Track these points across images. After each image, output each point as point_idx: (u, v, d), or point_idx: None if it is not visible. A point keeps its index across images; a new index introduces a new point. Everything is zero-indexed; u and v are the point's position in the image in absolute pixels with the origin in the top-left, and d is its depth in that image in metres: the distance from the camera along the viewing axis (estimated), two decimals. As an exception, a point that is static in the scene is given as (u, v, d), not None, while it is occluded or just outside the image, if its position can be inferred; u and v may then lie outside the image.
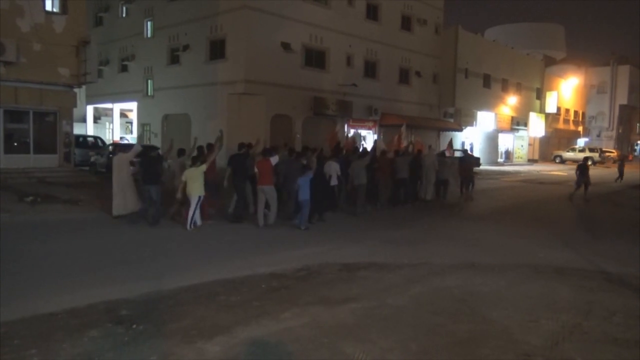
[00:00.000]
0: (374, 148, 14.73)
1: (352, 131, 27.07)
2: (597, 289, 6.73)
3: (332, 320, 5.26)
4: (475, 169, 17.57)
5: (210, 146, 11.26)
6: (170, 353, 4.40)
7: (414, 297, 6.17)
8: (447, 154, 17.58)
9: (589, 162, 18.16)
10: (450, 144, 18.03)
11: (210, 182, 10.52)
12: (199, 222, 10.12)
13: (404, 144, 16.32)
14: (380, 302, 5.92)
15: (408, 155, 14.93)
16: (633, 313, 5.80)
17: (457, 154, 20.41)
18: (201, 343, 4.60)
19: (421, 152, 15.97)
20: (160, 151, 10.60)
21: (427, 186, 15.30)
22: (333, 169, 12.00)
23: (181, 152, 11.50)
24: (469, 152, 16.58)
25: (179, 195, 10.06)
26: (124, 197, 10.52)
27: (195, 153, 11.11)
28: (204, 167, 9.93)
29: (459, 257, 8.31)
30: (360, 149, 16.21)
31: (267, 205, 10.67)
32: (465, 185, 16.15)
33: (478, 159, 24.80)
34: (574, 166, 38.93)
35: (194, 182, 9.81)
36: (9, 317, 5.03)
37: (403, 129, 17.60)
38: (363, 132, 28.31)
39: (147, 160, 10.51)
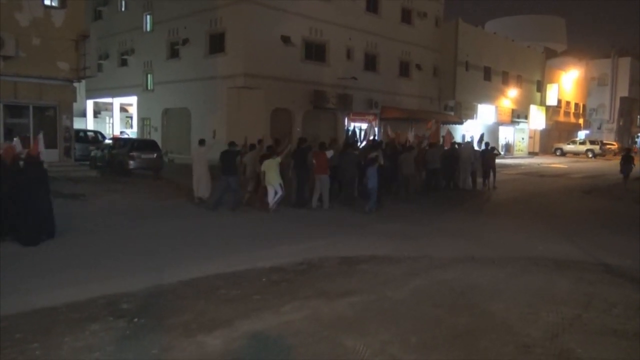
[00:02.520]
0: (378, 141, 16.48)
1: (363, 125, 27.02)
2: (596, 281, 6.74)
3: (332, 314, 5.28)
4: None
5: (277, 141, 12.94)
6: (170, 347, 4.42)
7: (414, 290, 6.18)
8: (476, 147, 18.63)
9: (632, 153, 20.33)
10: (482, 138, 19.20)
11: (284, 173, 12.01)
12: (274, 206, 11.45)
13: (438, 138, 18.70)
14: (380, 295, 5.94)
15: (439, 147, 16.66)
16: (633, 305, 5.82)
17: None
18: (201, 336, 4.62)
19: (452, 144, 17.73)
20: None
21: (463, 176, 16.88)
22: None
23: (252, 146, 13.12)
24: (487, 145, 18.41)
25: (263, 183, 11.50)
26: (198, 185, 12.33)
27: (213, 144, 13.04)
28: (279, 159, 11.52)
29: (459, 251, 8.32)
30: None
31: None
32: (493, 175, 17.43)
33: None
34: (575, 158, 39.48)
35: (271, 172, 11.26)
36: (10, 311, 5.06)
37: (435, 124, 20.29)
38: (363, 126, 28.23)
39: (225, 154, 11.80)
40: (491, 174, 17.25)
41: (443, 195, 15.36)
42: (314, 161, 12.17)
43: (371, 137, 18.64)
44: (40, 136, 9.13)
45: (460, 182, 16.94)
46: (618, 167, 24.98)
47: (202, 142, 12.90)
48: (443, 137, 18.67)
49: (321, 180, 12.08)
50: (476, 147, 18.06)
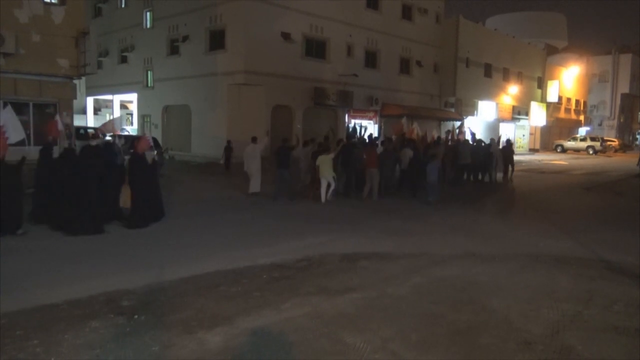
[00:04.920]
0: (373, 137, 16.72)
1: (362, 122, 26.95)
2: (597, 278, 6.74)
3: (332, 310, 5.28)
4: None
5: (326, 139, 14.04)
6: (171, 343, 4.42)
7: (415, 287, 6.18)
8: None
9: None
10: (500, 136, 20.92)
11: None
12: (331, 197, 12.57)
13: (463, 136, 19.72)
14: (380, 292, 5.93)
15: (469, 144, 17.77)
16: (633, 302, 5.81)
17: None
18: (202, 333, 4.62)
19: (481, 141, 19.01)
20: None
21: (492, 170, 18.13)
22: (407, 155, 14.39)
23: (305, 143, 14.14)
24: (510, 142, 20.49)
25: (318, 176, 12.51)
26: (254, 180, 13.18)
27: (266, 142, 13.75)
28: (332, 154, 12.53)
29: (460, 247, 8.32)
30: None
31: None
32: (511, 169, 19.14)
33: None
34: (576, 155, 39.46)
35: (325, 167, 12.30)
36: (10, 308, 5.06)
37: (464, 122, 22.10)
38: (364, 122, 28.21)
39: (281, 150, 12.80)
40: (510, 168, 19.05)
41: (461, 191, 15.75)
42: (364, 156, 13.32)
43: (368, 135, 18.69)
44: (148, 135, 9.86)
45: (492, 177, 18.17)
46: (619, 164, 25.13)
47: (254, 139, 13.44)
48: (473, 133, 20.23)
49: (371, 174, 13.10)
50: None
